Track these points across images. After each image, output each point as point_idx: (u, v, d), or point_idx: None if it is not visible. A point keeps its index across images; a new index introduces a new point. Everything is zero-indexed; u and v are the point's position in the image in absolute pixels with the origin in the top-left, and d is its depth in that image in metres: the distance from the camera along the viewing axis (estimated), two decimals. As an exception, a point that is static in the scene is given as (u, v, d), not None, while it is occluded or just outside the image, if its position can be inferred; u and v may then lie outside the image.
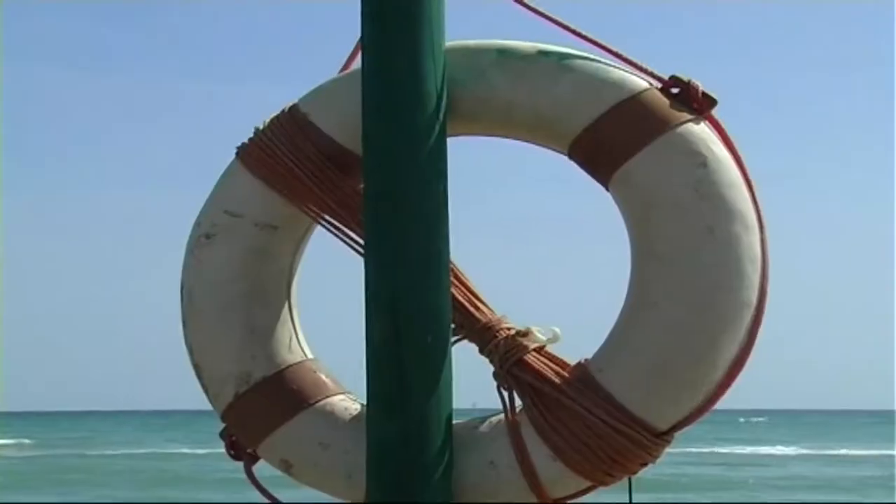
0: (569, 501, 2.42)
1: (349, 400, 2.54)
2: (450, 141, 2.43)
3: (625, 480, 2.45)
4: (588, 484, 2.39)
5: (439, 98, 2.39)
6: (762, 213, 2.40)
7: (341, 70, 2.61)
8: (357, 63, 2.53)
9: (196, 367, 2.60)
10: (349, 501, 2.48)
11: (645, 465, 2.39)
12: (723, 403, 2.41)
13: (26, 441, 49.45)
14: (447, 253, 2.39)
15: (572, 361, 2.43)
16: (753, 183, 2.41)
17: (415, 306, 2.35)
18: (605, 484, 2.39)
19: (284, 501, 2.57)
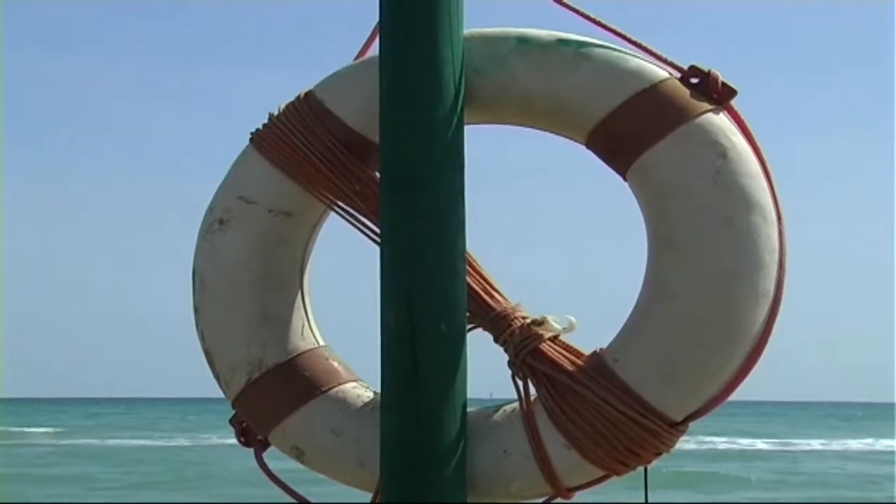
0: (582, 490, 2.41)
1: (361, 387, 2.54)
2: (468, 129, 2.42)
3: (640, 474, 2.44)
4: (602, 473, 2.38)
5: (458, 86, 2.38)
6: (781, 205, 2.39)
7: (357, 56, 2.60)
8: (374, 50, 2.52)
9: (207, 353, 2.59)
10: (361, 489, 2.48)
11: (659, 454, 2.38)
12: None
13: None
14: (463, 241, 2.38)
15: (588, 351, 2.42)
16: (772, 174, 2.40)
17: (430, 295, 2.34)
18: (618, 473, 2.38)
19: (299, 492, 2.56)
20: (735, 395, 2.39)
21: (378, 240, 2.42)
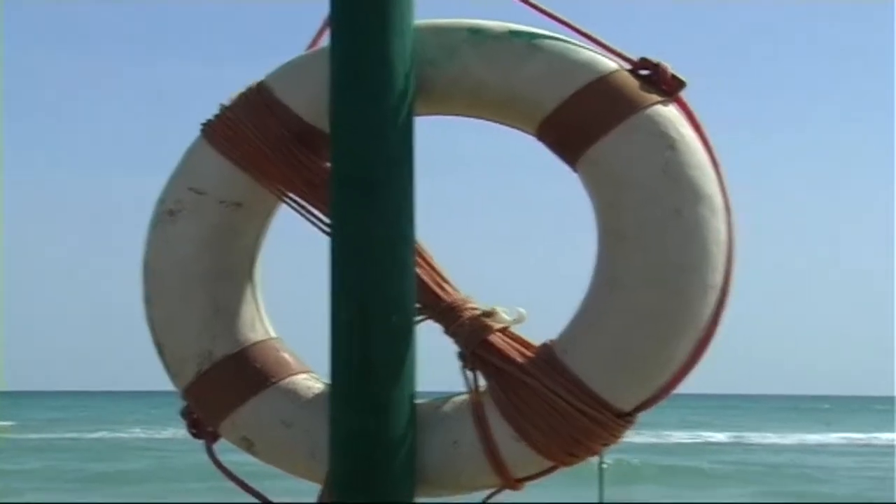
0: (531, 481, 2.42)
1: (312, 379, 2.53)
2: (419, 120, 2.42)
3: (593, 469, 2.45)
4: (551, 464, 2.39)
5: (408, 77, 2.38)
6: (729, 196, 2.40)
7: (309, 47, 2.59)
8: (326, 40, 2.51)
9: (158, 345, 2.58)
10: (311, 480, 2.47)
11: (607, 445, 2.39)
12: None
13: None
14: (413, 233, 2.38)
15: (538, 342, 2.42)
16: (721, 165, 2.41)
17: (380, 286, 2.34)
18: (568, 464, 2.39)
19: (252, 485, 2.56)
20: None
21: (329, 231, 2.41)
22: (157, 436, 39.76)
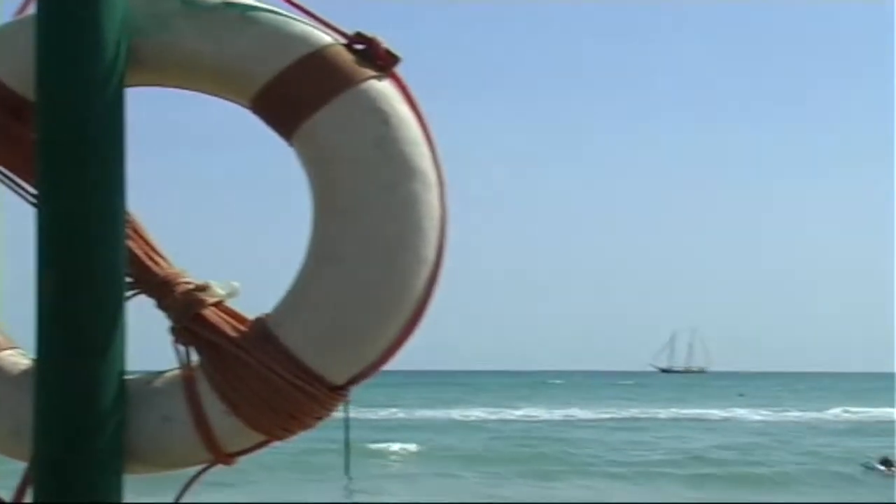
0: (244, 455, 2.41)
1: (18, 355, 2.46)
2: (131, 91, 2.38)
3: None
4: (263, 438, 2.38)
5: (118, 47, 2.32)
6: (442, 172, 2.42)
7: (17, 13, 2.51)
8: (34, 7, 2.44)
9: None
10: (17, 459, 2.41)
11: (321, 419, 2.39)
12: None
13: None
14: (123, 205, 2.34)
15: (253, 317, 2.41)
16: (434, 141, 2.43)
17: (88, 260, 2.29)
18: (280, 438, 2.39)
19: None
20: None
21: (35, 203, 2.35)
22: None
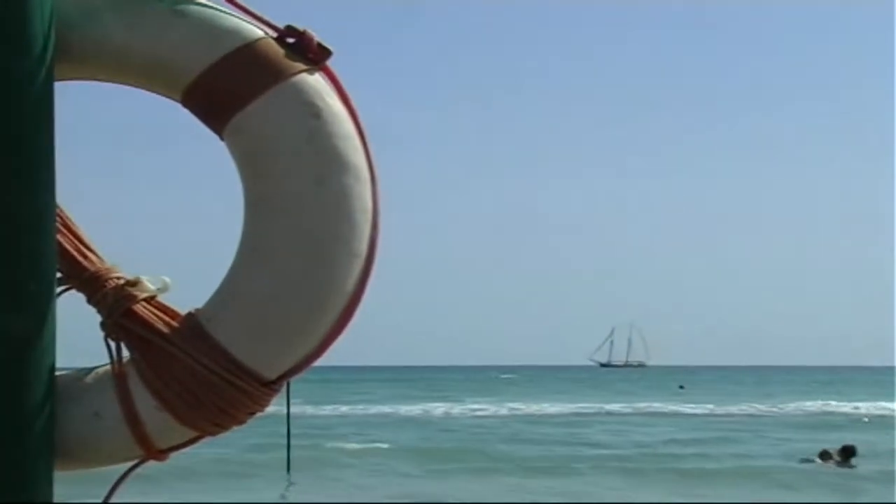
0: (175, 451, 2.40)
1: None
2: (60, 85, 2.36)
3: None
4: (195, 434, 2.37)
5: (46, 40, 2.30)
6: (374, 166, 2.42)
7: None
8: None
9: None
10: None
11: (253, 414, 2.38)
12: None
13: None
14: (53, 200, 2.32)
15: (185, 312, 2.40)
16: (367, 135, 2.43)
17: (17, 254, 2.26)
18: (213, 434, 2.38)
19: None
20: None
21: (-37, 198, 2.32)
22: None
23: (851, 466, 26.67)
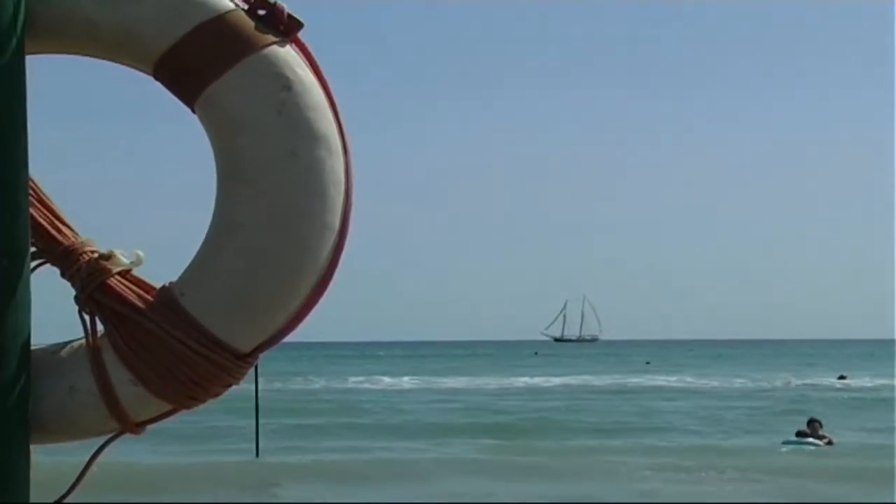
0: (151, 424, 2.41)
1: None
2: (32, 59, 2.35)
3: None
4: (170, 407, 2.37)
5: (16, 12, 2.29)
6: (347, 138, 2.42)
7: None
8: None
9: None
10: None
11: (228, 387, 2.39)
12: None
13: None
14: (26, 173, 2.31)
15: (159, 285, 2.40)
16: (339, 107, 2.42)
17: (-10, 229, 2.26)
18: (188, 407, 2.39)
19: None
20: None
21: (-66, 173, 2.31)
22: None
23: (829, 443, 25.43)
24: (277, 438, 26.89)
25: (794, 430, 26.54)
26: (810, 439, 25.26)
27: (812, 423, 26.10)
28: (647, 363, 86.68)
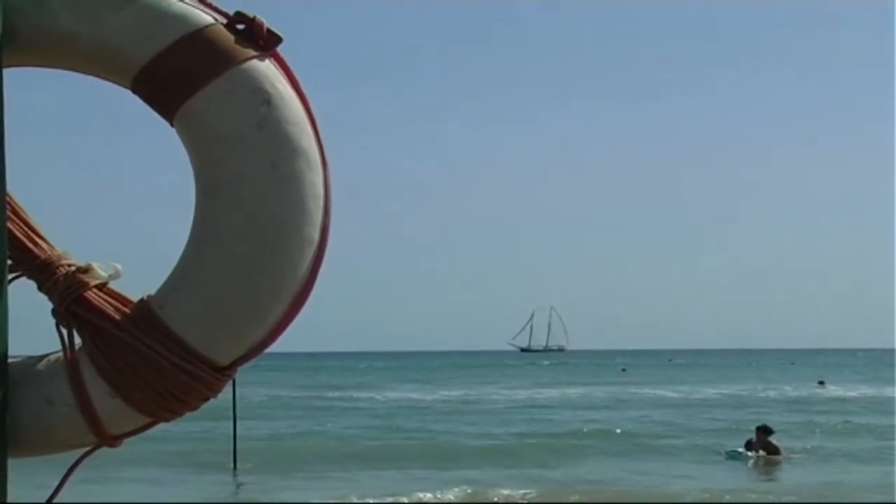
0: (129, 437, 2.40)
1: None
2: (10, 72, 2.35)
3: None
4: (149, 420, 2.37)
5: (-6, 25, 2.29)
6: (326, 152, 2.42)
7: None
8: None
9: None
10: None
11: (206, 400, 2.39)
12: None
13: None
14: (3, 188, 2.31)
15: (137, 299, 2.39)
16: (318, 121, 2.43)
17: (-33, 242, 2.26)
18: (166, 420, 2.39)
19: None
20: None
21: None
22: None
23: (778, 453, 24.60)
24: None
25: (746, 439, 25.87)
26: (749, 452, 24.55)
27: (759, 430, 24.98)
28: (623, 370, 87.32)
